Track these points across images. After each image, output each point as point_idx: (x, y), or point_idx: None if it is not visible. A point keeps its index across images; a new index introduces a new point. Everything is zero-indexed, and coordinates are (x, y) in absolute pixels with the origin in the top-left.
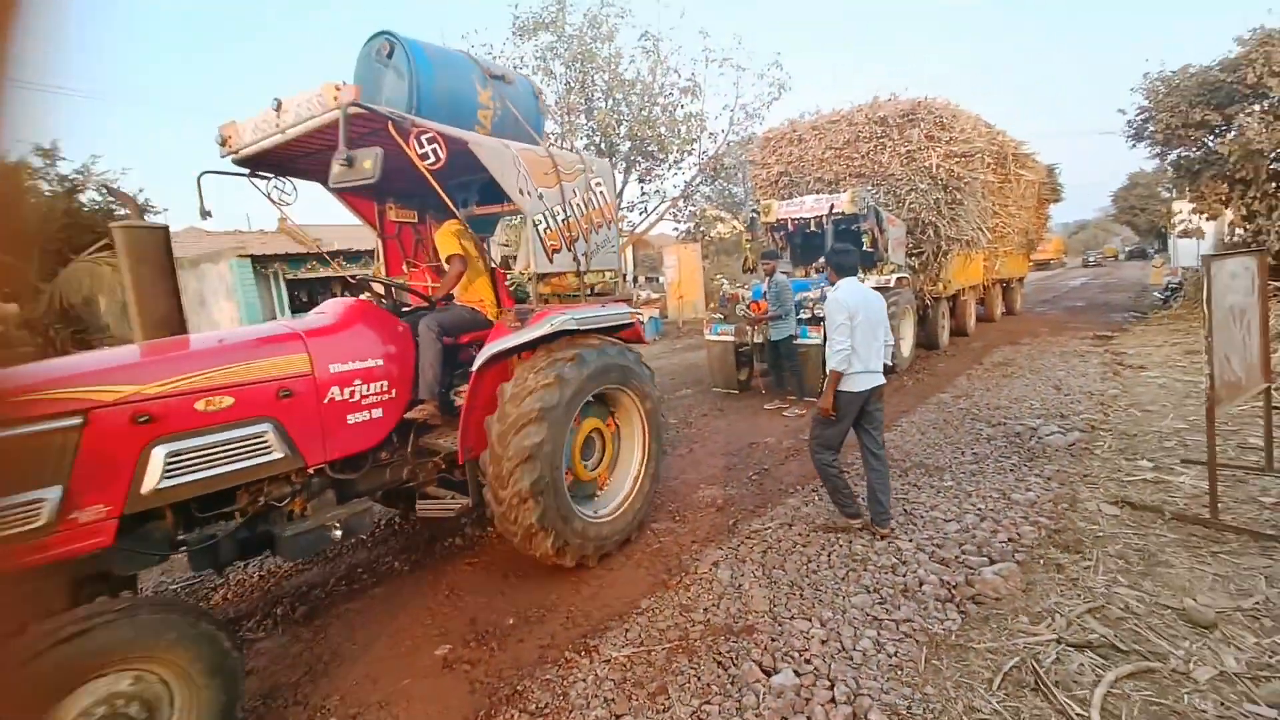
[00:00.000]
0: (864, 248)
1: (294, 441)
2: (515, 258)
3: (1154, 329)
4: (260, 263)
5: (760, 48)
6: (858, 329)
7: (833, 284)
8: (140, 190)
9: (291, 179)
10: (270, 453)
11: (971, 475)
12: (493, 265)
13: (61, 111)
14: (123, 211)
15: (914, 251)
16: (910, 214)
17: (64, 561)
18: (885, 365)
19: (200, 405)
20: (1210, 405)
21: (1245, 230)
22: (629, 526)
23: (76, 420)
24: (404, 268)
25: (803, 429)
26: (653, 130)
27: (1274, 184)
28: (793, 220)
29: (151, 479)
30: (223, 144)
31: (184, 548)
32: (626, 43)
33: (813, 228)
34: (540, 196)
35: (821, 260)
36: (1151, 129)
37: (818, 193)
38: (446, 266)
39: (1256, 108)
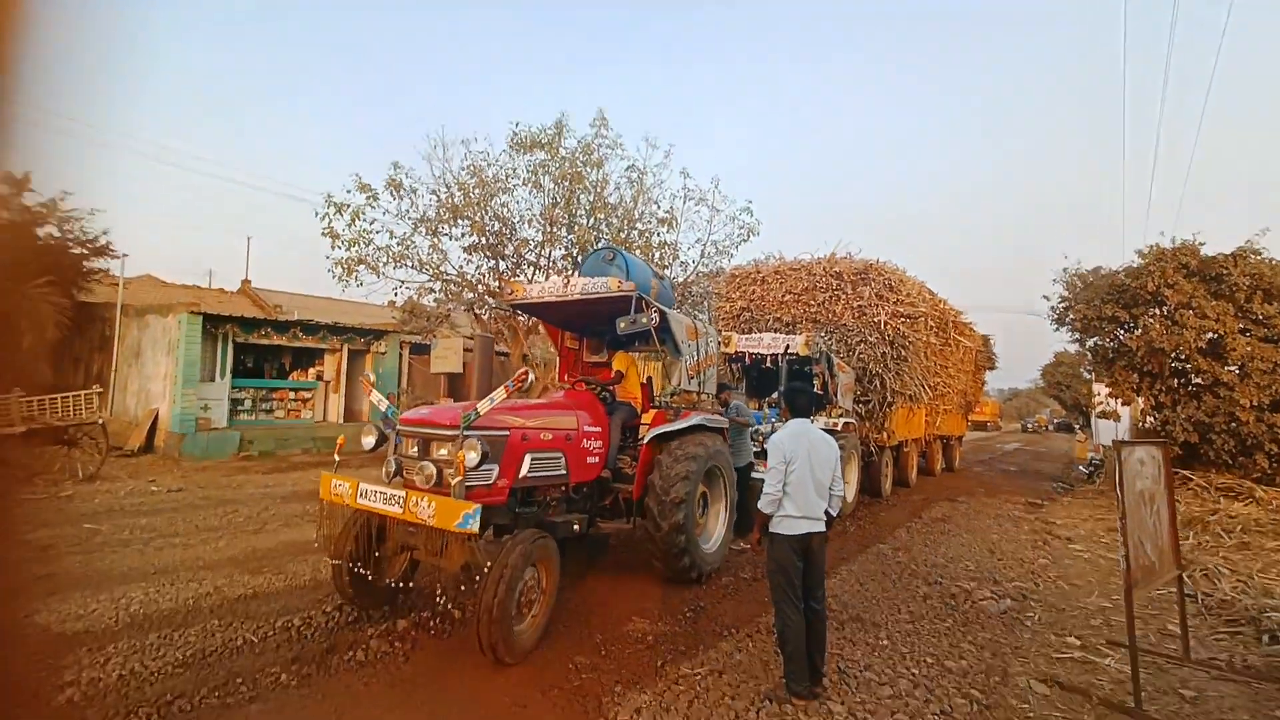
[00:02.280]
0: (814, 390)
1: (569, 465)
2: (650, 379)
3: (1079, 502)
4: (212, 322)
5: (736, 191)
6: (794, 473)
7: (784, 421)
8: (105, 232)
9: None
10: (561, 469)
11: (907, 635)
12: (642, 382)
13: (39, 143)
14: (77, 251)
15: (861, 400)
16: (859, 363)
17: (492, 505)
18: (828, 514)
19: (545, 436)
20: (1128, 589)
21: (1155, 418)
22: (718, 559)
23: (505, 433)
24: (565, 376)
25: (746, 565)
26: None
27: (1176, 380)
28: (750, 354)
29: (524, 470)
30: (510, 293)
31: (519, 518)
32: (614, 170)
33: (768, 364)
34: (687, 346)
35: (776, 395)
36: (1071, 317)
37: (776, 332)
38: (620, 371)
39: (1157, 311)
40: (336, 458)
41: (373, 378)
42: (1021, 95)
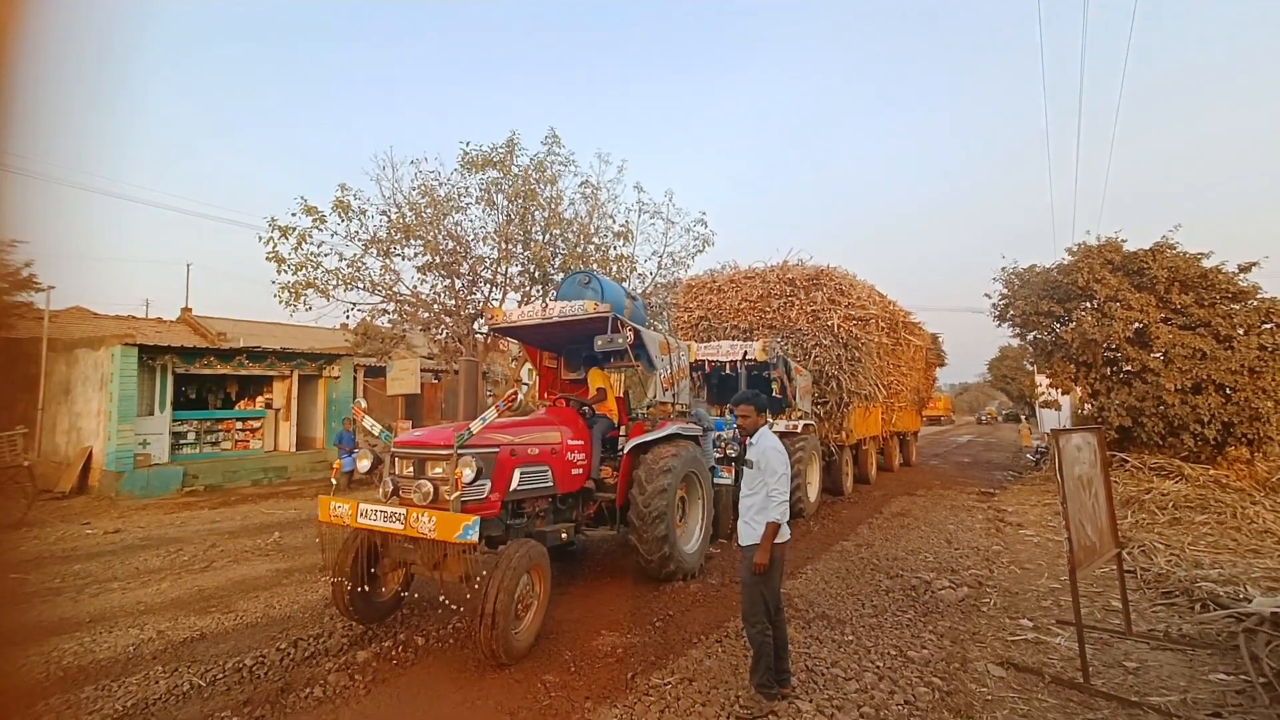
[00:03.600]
0: (773, 394)
1: (555, 478)
2: (629, 392)
3: (1028, 489)
4: (149, 353)
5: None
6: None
7: (747, 431)
8: (28, 264)
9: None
10: (548, 481)
11: (871, 629)
12: (617, 395)
13: None
14: None
15: (819, 401)
16: (816, 366)
17: (485, 519)
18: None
19: (532, 451)
20: (1072, 569)
21: (1092, 405)
22: (699, 559)
23: (495, 450)
24: (546, 394)
25: (714, 570)
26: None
27: (1109, 369)
28: (709, 362)
29: (514, 483)
30: (490, 318)
31: (509, 529)
32: (568, 186)
33: (727, 370)
34: (660, 360)
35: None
36: (1011, 313)
37: (734, 339)
38: (595, 393)
39: (1089, 305)
40: (333, 481)
41: (364, 403)
42: (958, 100)
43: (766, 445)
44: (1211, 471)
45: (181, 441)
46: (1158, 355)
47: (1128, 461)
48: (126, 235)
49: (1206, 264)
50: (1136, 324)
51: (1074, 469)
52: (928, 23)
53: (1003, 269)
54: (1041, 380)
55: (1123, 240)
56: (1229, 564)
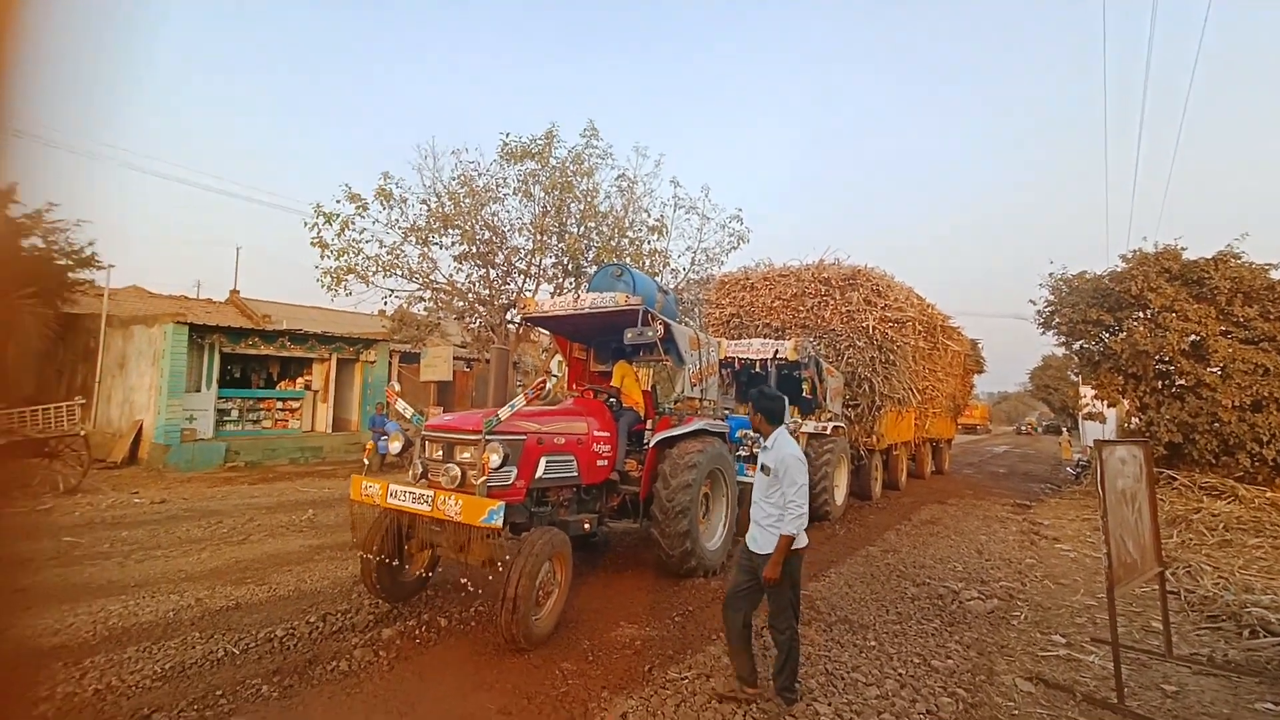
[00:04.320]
0: (804, 394)
1: (580, 468)
2: (657, 386)
3: (1066, 503)
4: (198, 332)
5: (725, 200)
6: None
7: (762, 434)
8: (91, 243)
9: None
10: (573, 471)
11: (894, 636)
12: (644, 389)
13: (25, 154)
14: (62, 262)
15: (850, 404)
16: (848, 368)
17: (510, 505)
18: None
19: (558, 440)
20: (1110, 586)
21: (1140, 419)
22: (722, 555)
23: (522, 438)
24: (575, 385)
25: (735, 568)
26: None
27: (1160, 382)
28: (739, 359)
29: (540, 472)
30: (522, 307)
31: (533, 517)
32: (604, 179)
33: (757, 369)
34: (690, 355)
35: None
36: (1057, 320)
37: (765, 337)
38: (621, 386)
39: (1141, 314)
40: (365, 461)
41: (398, 387)
42: (1010, 102)
43: (786, 453)
44: (1269, 494)
45: (225, 419)
46: (1215, 370)
47: (1176, 479)
48: (183, 217)
49: (1275, 275)
50: (1193, 336)
51: (1117, 482)
52: (982, 22)
53: (1050, 274)
54: (1086, 391)
55: (1182, 248)
56: None
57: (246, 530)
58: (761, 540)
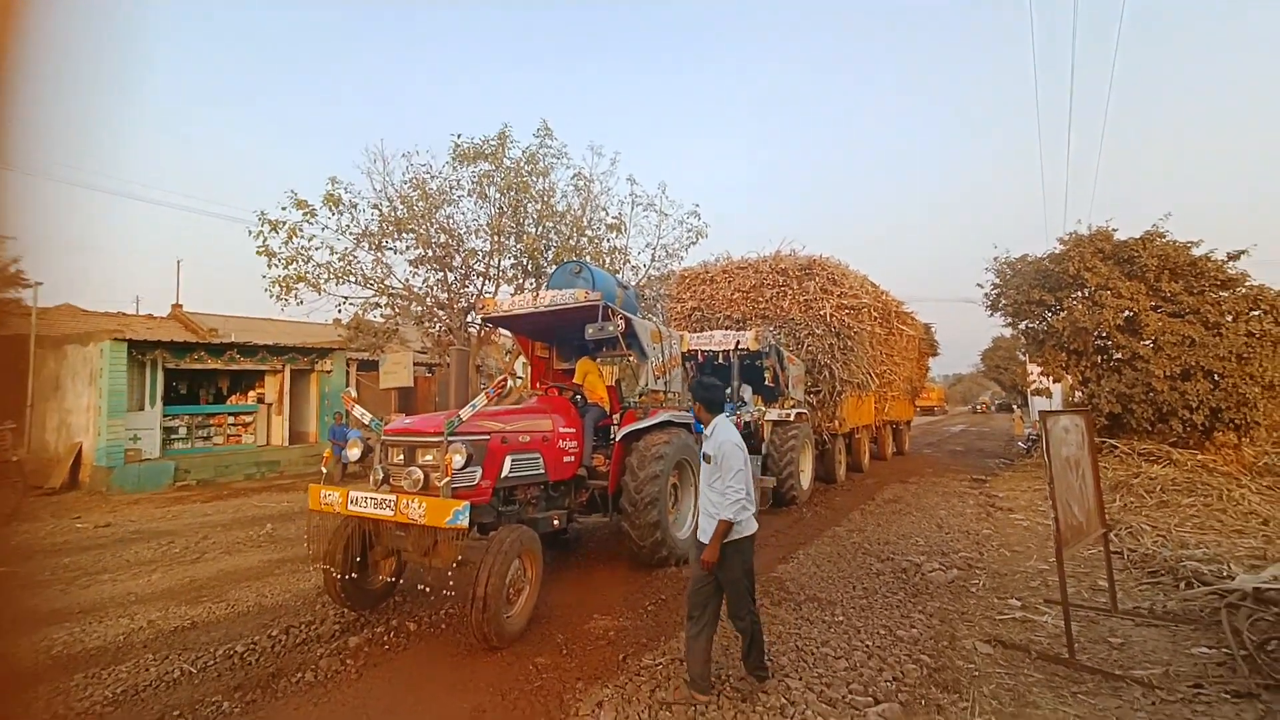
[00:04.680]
0: (766, 382)
1: (546, 465)
2: (622, 381)
3: (1019, 475)
4: (138, 348)
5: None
6: (749, 473)
7: (702, 422)
8: (16, 260)
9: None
10: (539, 469)
11: (861, 610)
12: (608, 384)
13: None
14: None
15: (812, 390)
16: (808, 355)
17: (476, 505)
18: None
19: (523, 438)
20: (1059, 548)
21: (1083, 393)
22: (690, 546)
23: (486, 437)
24: (538, 383)
25: None
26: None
27: (1100, 357)
28: (702, 352)
29: (505, 471)
30: (482, 308)
31: (501, 516)
32: (560, 178)
33: (720, 360)
34: (652, 349)
35: (729, 390)
36: (1003, 302)
37: (726, 329)
38: (583, 383)
39: (1079, 293)
40: (324, 470)
41: (354, 392)
42: (953, 93)
43: (722, 439)
44: (1199, 456)
45: (173, 436)
46: (1147, 342)
47: (1118, 447)
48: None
49: (1196, 252)
50: (1127, 312)
51: (1061, 450)
52: (919, 12)
53: (995, 258)
54: (1033, 369)
55: (1113, 229)
56: (1214, 544)
57: (201, 548)
58: (708, 529)
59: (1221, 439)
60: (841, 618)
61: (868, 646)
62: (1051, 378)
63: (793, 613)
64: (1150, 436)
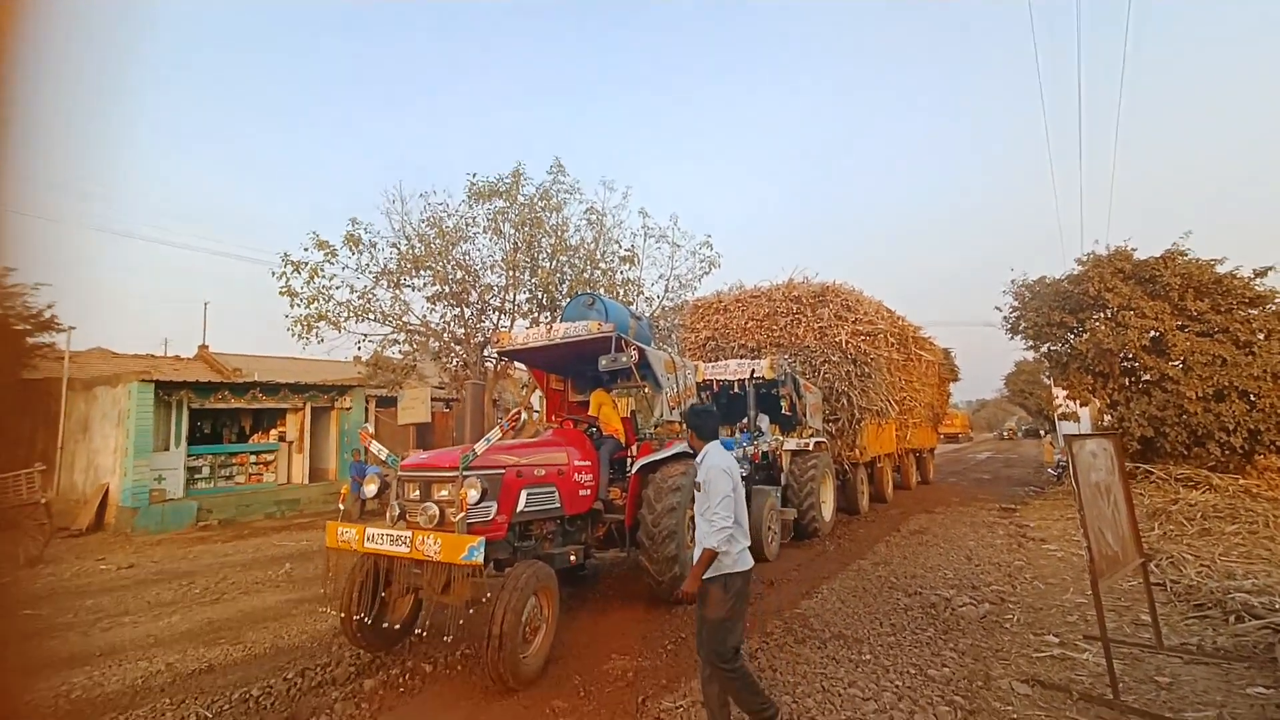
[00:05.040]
0: (783, 411)
1: (562, 499)
2: (636, 411)
3: (1050, 503)
4: (164, 389)
5: (695, 226)
6: (739, 501)
7: (694, 450)
8: (50, 306)
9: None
10: (555, 503)
11: (889, 648)
12: (624, 416)
13: None
14: (20, 327)
15: (830, 419)
16: (825, 383)
17: (492, 541)
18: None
19: (538, 472)
20: (1094, 579)
21: (1111, 416)
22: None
23: (501, 471)
24: (554, 416)
25: None
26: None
27: (1127, 379)
28: (717, 381)
29: (521, 505)
30: (496, 342)
31: (517, 551)
32: (573, 213)
33: (736, 390)
34: (666, 379)
35: (745, 420)
36: (1023, 325)
37: (741, 358)
38: (598, 415)
39: (1101, 315)
40: (341, 506)
41: (371, 428)
42: (966, 117)
43: (710, 464)
44: (1241, 481)
45: (196, 476)
46: (1176, 363)
47: (1153, 473)
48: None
49: (1220, 270)
50: (1152, 332)
51: (1090, 475)
52: (930, 38)
53: (1012, 281)
54: (1058, 393)
55: (1132, 249)
56: (1263, 574)
57: (220, 589)
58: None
59: (1264, 462)
60: (869, 656)
61: (897, 687)
62: (1078, 401)
63: (818, 651)
64: (1187, 460)
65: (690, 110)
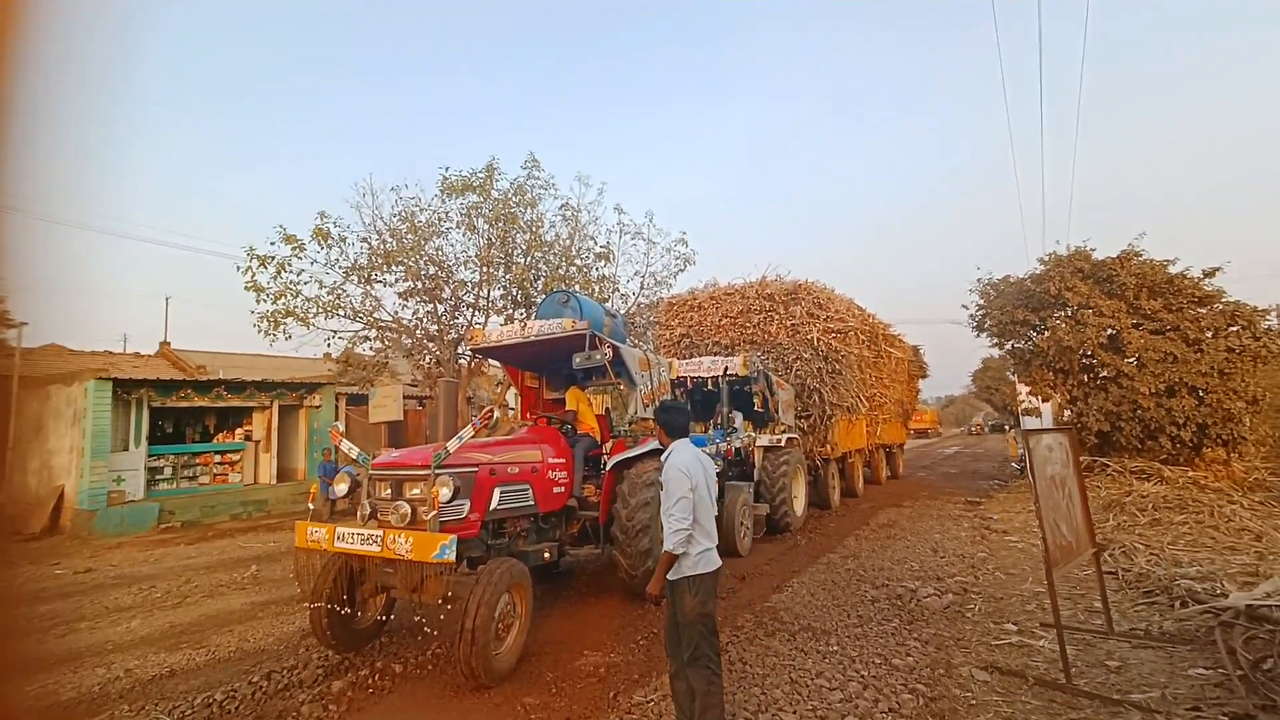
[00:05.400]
0: (755, 408)
1: (536, 496)
2: (611, 409)
3: (1013, 496)
4: (123, 387)
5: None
6: (700, 501)
7: (664, 447)
8: (0, 300)
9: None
10: (529, 500)
11: (856, 639)
12: (598, 413)
13: None
14: None
15: (802, 415)
16: (797, 380)
17: (465, 539)
18: None
19: (512, 470)
20: (1048, 568)
21: (1071, 411)
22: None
23: (474, 469)
24: (528, 413)
25: None
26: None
27: (1086, 375)
28: (691, 378)
29: (494, 503)
30: (470, 339)
31: (490, 549)
32: (548, 209)
33: (710, 386)
34: (641, 376)
35: (718, 417)
36: (989, 323)
37: (715, 355)
38: (572, 409)
39: (1062, 313)
40: (310, 506)
41: (341, 426)
42: (931, 114)
43: (670, 463)
44: (1190, 473)
45: (158, 477)
46: (1131, 360)
47: (1109, 466)
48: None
49: (1172, 270)
50: (1109, 330)
51: (1046, 469)
52: (895, 35)
53: (978, 280)
54: (1022, 389)
55: (1091, 249)
56: (1207, 561)
57: (183, 592)
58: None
59: (1211, 455)
60: (836, 647)
61: (863, 677)
62: (1040, 397)
63: (787, 643)
64: (1141, 454)
65: (664, 109)
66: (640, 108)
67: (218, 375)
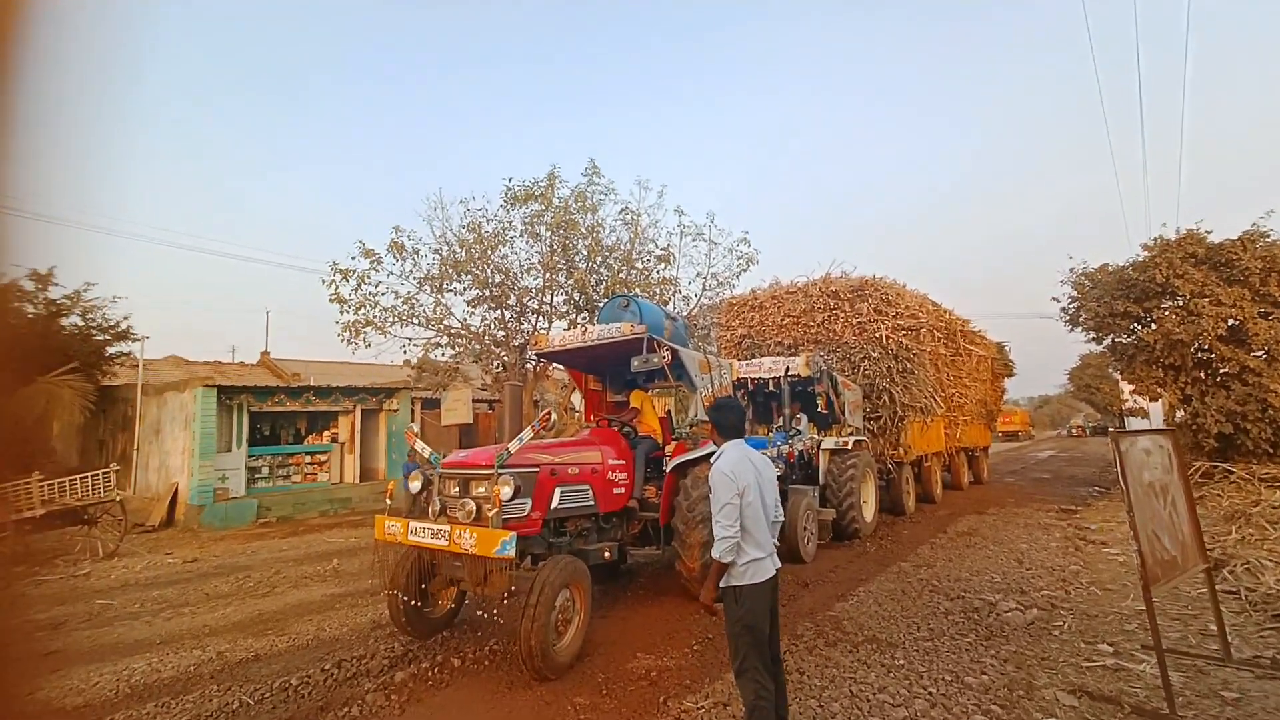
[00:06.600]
0: (819, 409)
1: (596, 496)
2: (673, 411)
3: (1115, 504)
4: (226, 393)
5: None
6: (749, 507)
7: (716, 446)
8: (126, 317)
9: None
10: (589, 500)
11: (925, 653)
12: (661, 416)
13: (59, 240)
14: (100, 338)
15: (872, 416)
16: (865, 380)
17: (526, 536)
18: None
19: (572, 470)
20: (1145, 585)
21: (1185, 412)
22: None
23: (535, 469)
24: (591, 416)
25: None
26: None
27: (1202, 371)
28: (752, 379)
29: (555, 502)
30: (534, 344)
31: (551, 547)
32: (608, 214)
33: (771, 388)
34: (701, 379)
35: (780, 419)
36: (1084, 317)
37: (777, 355)
38: (635, 410)
39: (1171, 303)
40: (388, 501)
41: (415, 428)
42: (1016, 100)
43: (716, 467)
44: None
45: (256, 476)
46: (1259, 354)
47: (1232, 472)
48: (216, 287)
49: None
50: (1230, 320)
51: (1142, 474)
52: (978, 14)
53: (1071, 270)
54: (1125, 388)
55: (1206, 232)
56: None
57: (272, 583)
58: None
59: None
60: (903, 661)
61: (931, 694)
62: (1147, 396)
63: (849, 654)
64: (1272, 459)
65: (722, 110)
66: (697, 111)
67: (308, 382)
